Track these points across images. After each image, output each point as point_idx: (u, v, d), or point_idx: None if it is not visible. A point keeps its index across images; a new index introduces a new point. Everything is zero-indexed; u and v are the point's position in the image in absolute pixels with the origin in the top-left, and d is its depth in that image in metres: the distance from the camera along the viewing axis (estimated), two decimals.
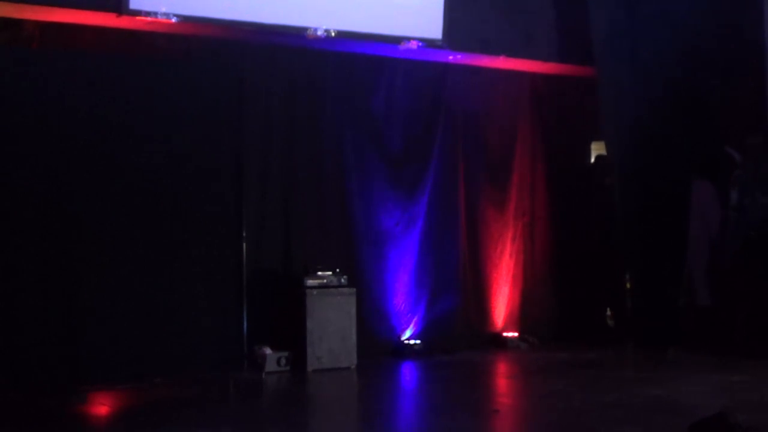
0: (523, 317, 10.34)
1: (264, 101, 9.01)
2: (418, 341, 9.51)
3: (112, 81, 8.01)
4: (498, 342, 10.08)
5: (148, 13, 8.03)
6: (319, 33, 8.78)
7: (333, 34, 8.83)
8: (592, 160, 11.14)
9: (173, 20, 8.15)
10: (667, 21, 9.85)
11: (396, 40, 9.26)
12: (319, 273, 8.72)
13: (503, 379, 8.96)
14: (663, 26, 9.88)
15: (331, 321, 8.66)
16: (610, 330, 10.79)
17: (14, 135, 7.59)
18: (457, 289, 9.93)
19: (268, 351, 8.47)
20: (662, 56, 9.84)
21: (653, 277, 9.98)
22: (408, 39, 9.26)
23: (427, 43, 9.35)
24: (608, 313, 11.05)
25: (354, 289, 8.86)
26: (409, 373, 8.86)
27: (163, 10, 8.07)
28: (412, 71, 9.82)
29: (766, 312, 8.98)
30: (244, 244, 8.51)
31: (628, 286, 10.56)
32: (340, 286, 8.79)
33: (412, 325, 9.62)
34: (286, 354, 8.51)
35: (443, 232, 9.92)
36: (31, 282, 7.56)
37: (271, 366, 8.41)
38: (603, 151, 10.68)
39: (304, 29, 8.78)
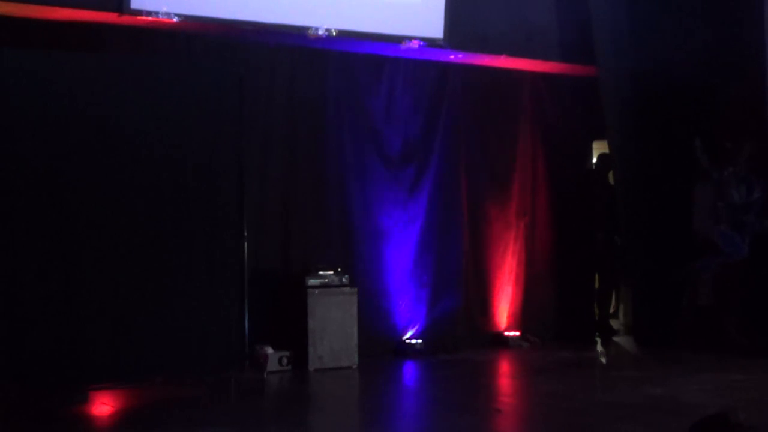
0: (525, 316, 10.32)
1: (265, 101, 9.01)
2: (419, 340, 9.50)
3: (113, 80, 7.97)
4: (500, 341, 10.07)
5: (149, 13, 8.03)
6: (320, 32, 8.78)
7: (334, 33, 8.83)
8: (595, 158, 11.15)
9: (174, 20, 8.15)
10: (667, 21, 9.85)
11: (397, 40, 9.25)
12: (321, 272, 8.72)
13: (505, 378, 8.97)
14: (663, 26, 9.89)
15: (333, 320, 8.67)
16: (612, 329, 10.80)
17: (15, 135, 7.56)
18: (459, 289, 9.92)
19: (269, 350, 8.48)
20: (663, 56, 9.84)
21: (655, 276, 9.97)
22: (409, 38, 9.25)
23: (428, 43, 9.35)
24: (611, 311, 11.07)
25: (355, 289, 8.86)
26: (410, 372, 8.87)
27: (165, 9, 8.07)
28: (413, 70, 9.82)
29: (758, 310, 9.02)
30: (245, 244, 8.50)
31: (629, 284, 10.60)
32: (342, 285, 8.79)
33: (413, 325, 9.62)
34: (287, 353, 8.52)
35: (445, 232, 9.91)
36: (32, 282, 7.54)
37: (272, 365, 8.42)
38: (605, 150, 10.67)
39: (306, 29, 8.77)
